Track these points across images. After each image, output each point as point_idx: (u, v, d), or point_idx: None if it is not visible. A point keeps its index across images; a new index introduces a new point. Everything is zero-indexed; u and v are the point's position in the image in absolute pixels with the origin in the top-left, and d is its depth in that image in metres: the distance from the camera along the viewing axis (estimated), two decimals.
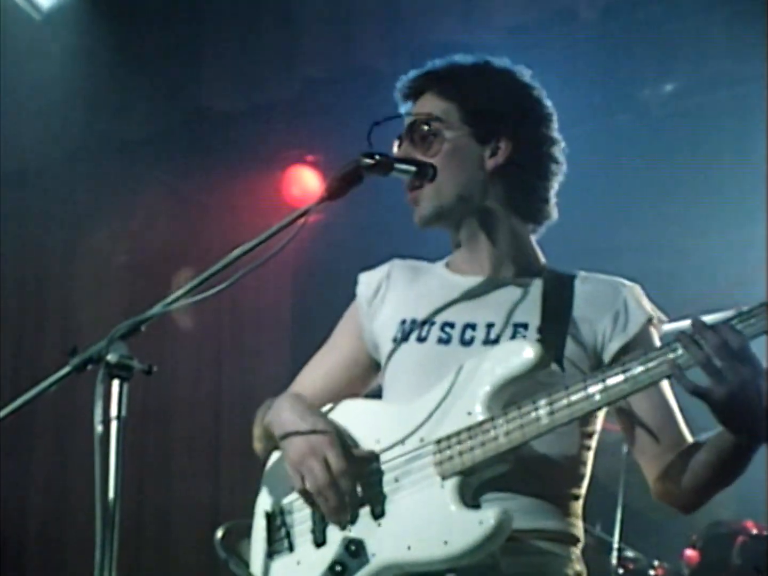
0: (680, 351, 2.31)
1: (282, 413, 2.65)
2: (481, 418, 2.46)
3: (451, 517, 2.43)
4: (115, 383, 2.30)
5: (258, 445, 2.82)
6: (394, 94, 2.82)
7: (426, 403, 2.56)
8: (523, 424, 2.41)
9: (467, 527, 2.39)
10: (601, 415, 2.67)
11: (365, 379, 2.85)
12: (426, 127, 2.69)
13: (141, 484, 6.92)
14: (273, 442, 2.71)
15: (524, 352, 2.47)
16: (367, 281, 2.87)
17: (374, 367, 2.84)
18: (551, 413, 2.39)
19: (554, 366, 2.53)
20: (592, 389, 2.38)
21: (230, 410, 7.08)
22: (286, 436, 2.61)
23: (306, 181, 7.01)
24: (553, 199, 2.76)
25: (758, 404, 2.30)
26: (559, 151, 2.75)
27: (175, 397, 7.09)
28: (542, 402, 2.41)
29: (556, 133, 2.75)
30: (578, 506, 2.63)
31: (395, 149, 2.76)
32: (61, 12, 6.30)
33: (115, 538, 2.24)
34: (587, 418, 2.61)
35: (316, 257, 6.80)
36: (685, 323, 2.32)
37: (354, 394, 2.79)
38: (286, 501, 2.69)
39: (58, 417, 6.83)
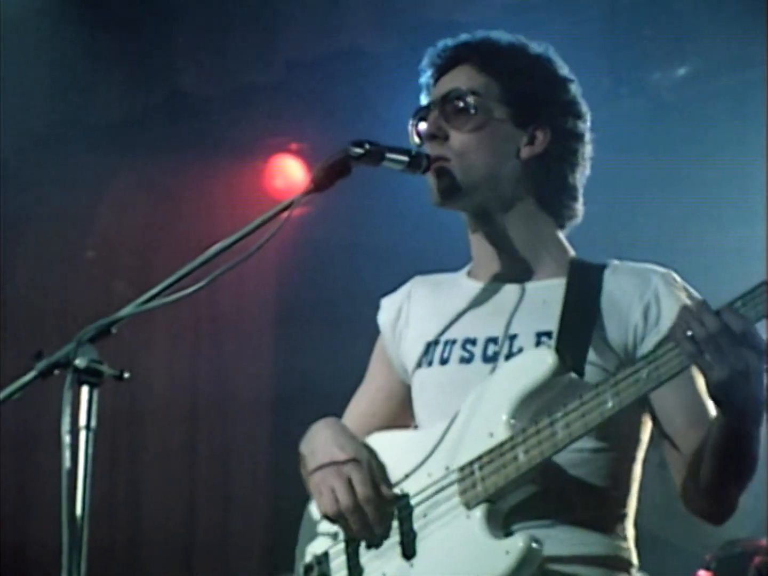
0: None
1: (320, 434, 2.69)
2: (503, 438, 2.46)
3: (479, 548, 2.42)
4: (84, 390, 2.30)
5: None
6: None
7: (448, 428, 2.57)
8: (541, 440, 2.41)
9: (495, 558, 2.39)
10: (648, 422, 2.64)
11: (407, 408, 2.84)
12: (462, 101, 2.69)
13: (112, 499, 6.91)
14: None
15: (539, 362, 2.47)
16: (387, 306, 2.89)
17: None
18: (567, 426, 2.40)
19: (573, 375, 2.51)
20: (604, 395, 2.37)
21: (207, 417, 7.05)
22: (312, 453, 2.64)
23: (290, 172, 7.00)
24: (581, 198, 2.78)
25: (756, 387, 2.28)
26: (590, 151, 2.78)
27: (147, 405, 7.06)
28: (558, 415, 2.41)
29: (589, 133, 2.78)
30: (625, 527, 2.61)
31: (412, 122, 2.76)
32: None
33: (83, 560, 2.23)
34: (632, 424, 2.60)
35: (301, 254, 6.78)
36: None
37: (404, 425, 2.80)
38: (320, 550, 2.69)
39: (20, 427, 6.81)
